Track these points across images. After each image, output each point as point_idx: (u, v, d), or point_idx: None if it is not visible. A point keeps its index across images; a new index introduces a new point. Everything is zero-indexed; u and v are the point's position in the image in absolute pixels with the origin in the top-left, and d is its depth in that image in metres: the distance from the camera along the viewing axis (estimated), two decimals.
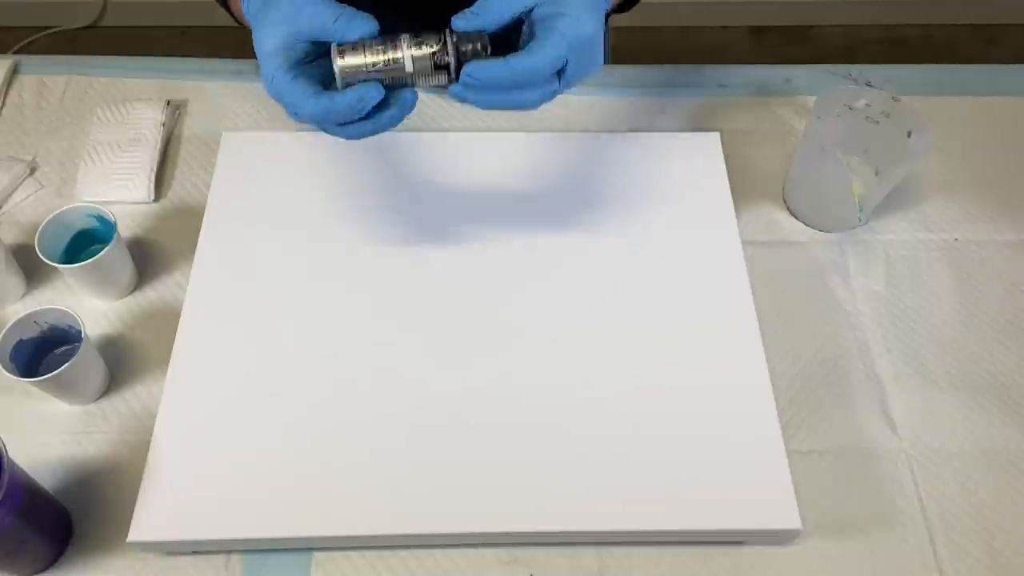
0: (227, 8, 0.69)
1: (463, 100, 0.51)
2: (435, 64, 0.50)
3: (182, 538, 0.56)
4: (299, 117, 0.51)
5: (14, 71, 0.83)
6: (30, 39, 1.92)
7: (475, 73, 0.49)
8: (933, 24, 2.00)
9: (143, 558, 0.58)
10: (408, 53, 0.50)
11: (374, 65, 0.50)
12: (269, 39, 0.50)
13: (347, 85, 0.50)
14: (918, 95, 0.82)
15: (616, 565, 0.59)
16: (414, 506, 0.57)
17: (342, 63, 0.50)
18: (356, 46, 0.50)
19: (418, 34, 0.50)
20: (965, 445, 0.64)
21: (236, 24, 0.67)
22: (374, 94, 0.49)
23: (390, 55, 0.50)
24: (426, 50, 0.50)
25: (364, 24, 0.50)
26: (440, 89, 0.52)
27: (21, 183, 0.76)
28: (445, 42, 0.50)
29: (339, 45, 0.50)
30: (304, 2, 0.50)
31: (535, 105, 0.51)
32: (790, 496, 0.58)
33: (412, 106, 0.52)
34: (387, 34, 0.50)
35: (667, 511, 0.57)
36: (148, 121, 0.78)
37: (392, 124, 0.52)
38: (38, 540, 0.56)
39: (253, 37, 0.52)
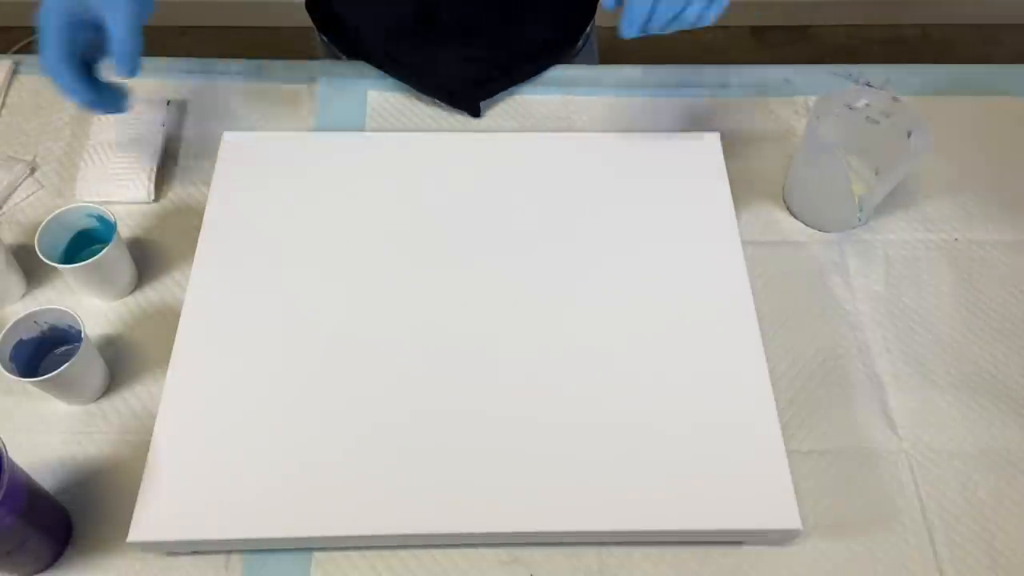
0: None
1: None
2: None
3: (182, 538, 0.56)
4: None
5: (14, 71, 0.83)
6: (30, 39, 1.91)
7: None
8: (933, 24, 2.00)
9: (143, 558, 0.58)
10: None
11: None
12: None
13: None
14: (918, 95, 0.82)
15: (616, 565, 0.59)
16: (414, 506, 0.57)
17: None
18: None
19: None
20: (965, 445, 0.64)
21: None
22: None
23: None
24: None
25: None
26: None
27: (21, 183, 0.76)
28: None
29: None
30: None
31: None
32: (790, 496, 0.58)
33: None
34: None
35: (667, 511, 0.57)
36: (148, 121, 0.78)
37: None
38: (38, 540, 0.56)
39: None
